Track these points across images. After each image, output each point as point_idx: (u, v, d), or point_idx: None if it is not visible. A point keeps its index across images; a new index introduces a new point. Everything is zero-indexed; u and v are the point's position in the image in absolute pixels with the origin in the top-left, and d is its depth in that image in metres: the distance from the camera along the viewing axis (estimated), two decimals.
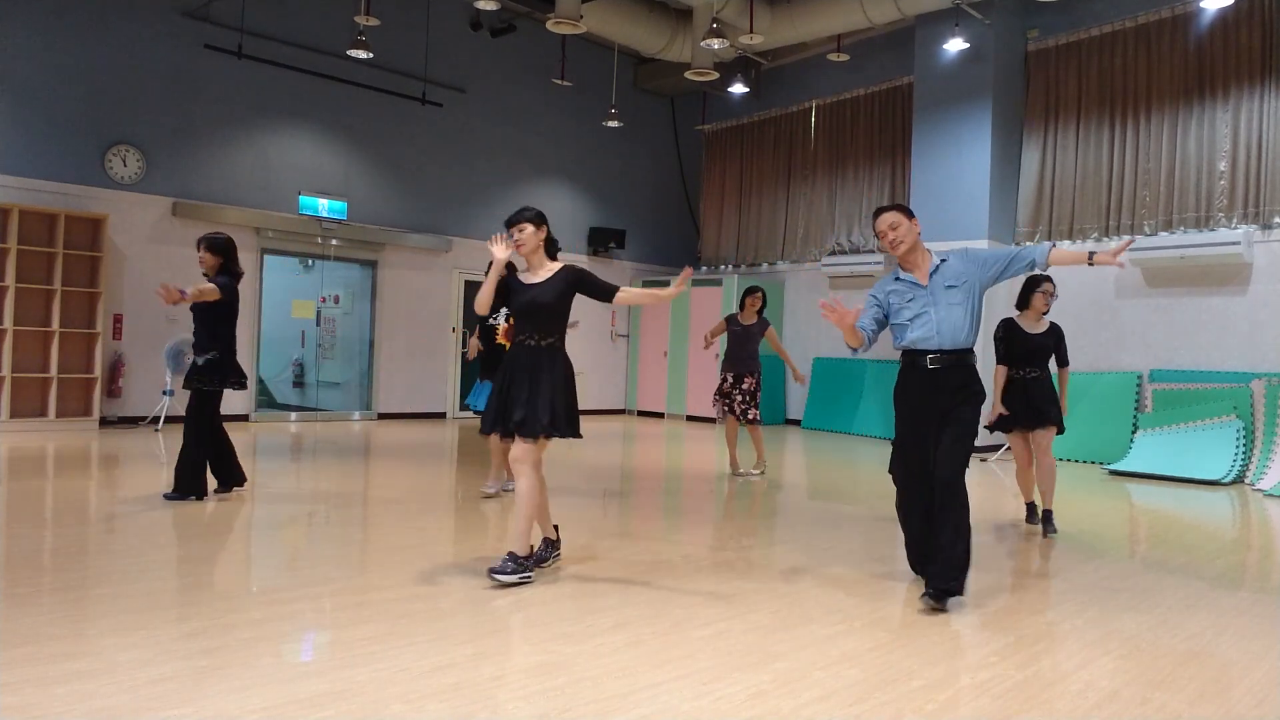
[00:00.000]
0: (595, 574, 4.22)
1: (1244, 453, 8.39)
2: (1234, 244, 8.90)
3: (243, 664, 2.88)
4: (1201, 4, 9.05)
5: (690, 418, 13.55)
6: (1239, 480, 8.25)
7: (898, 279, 4.20)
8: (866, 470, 8.85)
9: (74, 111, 9.50)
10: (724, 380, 7.76)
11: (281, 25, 10.90)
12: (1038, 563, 4.87)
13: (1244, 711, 2.81)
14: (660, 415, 14.11)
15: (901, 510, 4.22)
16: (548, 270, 4.20)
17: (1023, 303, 5.85)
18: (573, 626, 3.40)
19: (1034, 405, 5.69)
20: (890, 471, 4.23)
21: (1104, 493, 7.71)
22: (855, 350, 4.07)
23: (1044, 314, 5.81)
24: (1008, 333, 5.81)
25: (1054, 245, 3.96)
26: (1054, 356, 5.84)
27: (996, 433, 6.02)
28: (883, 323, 4.16)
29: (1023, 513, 6.12)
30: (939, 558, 3.87)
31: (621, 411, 14.71)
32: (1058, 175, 10.50)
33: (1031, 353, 5.74)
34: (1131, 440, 9.32)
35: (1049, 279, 5.76)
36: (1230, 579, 4.68)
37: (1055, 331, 5.84)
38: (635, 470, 8.54)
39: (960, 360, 4.02)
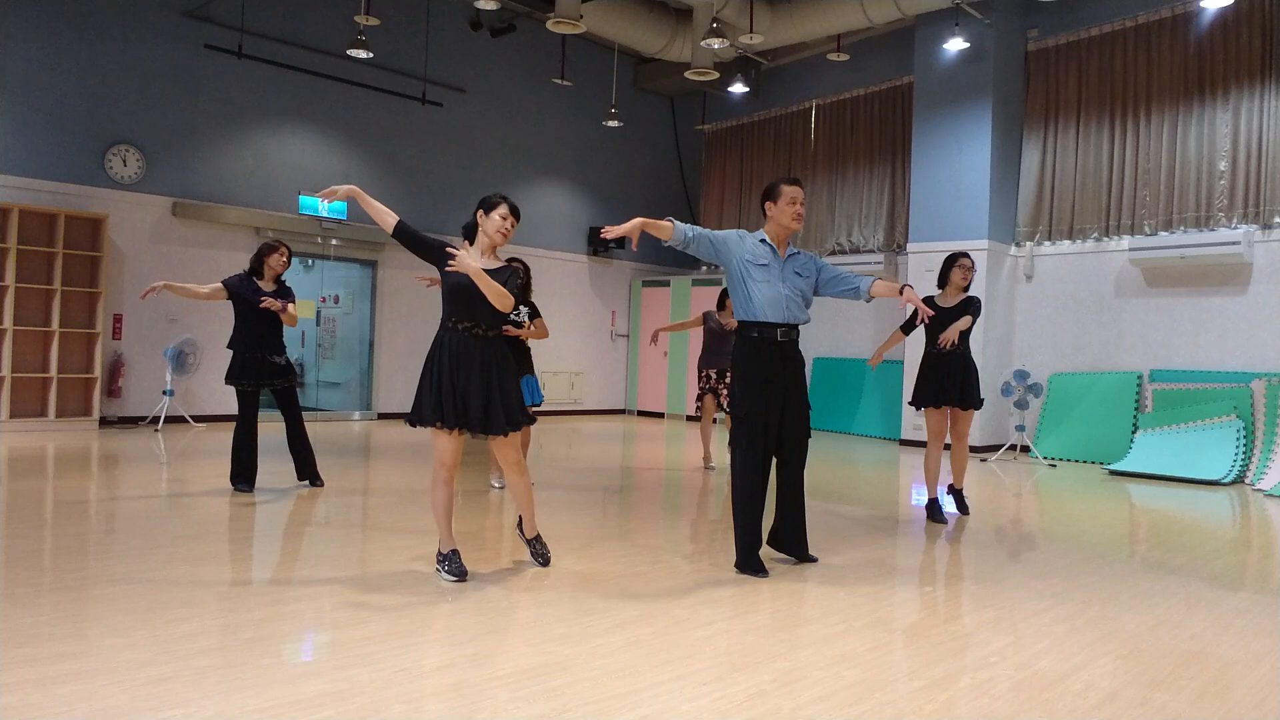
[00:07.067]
0: (595, 574, 4.22)
1: (1244, 453, 8.39)
2: (1234, 244, 8.90)
3: (243, 664, 2.88)
4: (1201, 4, 9.05)
5: (690, 418, 13.55)
6: (1239, 480, 8.25)
7: (762, 240, 4.45)
8: (866, 470, 8.85)
9: (74, 111, 9.49)
10: (709, 377, 8.14)
11: (281, 25, 10.90)
12: (1038, 563, 4.86)
13: (1244, 712, 2.81)
14: (660, 415, 14.11)
15: (753, 483, 4.30)
16: (497, 260, 4.15)
17: (942, 280, 6.02)
18: (572, 627, 3.40)
19: (956, 382, 5.82)
20: (741, 453, 4.33)
21: (1104, 493, 7.71)
22: (665, 242, 4.25)
23: (964, 289, 5.96)
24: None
25: (875, 280, 4.46)
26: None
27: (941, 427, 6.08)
28: (705, 247, 4.35)
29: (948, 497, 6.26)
30: (795, 523, 4.50)
31: (621, 411, 14.71)
32: (1058, 175, 10.50)
33: (945, 326, 5.82)
34: (1131, 440, 9.33)
35: (966, 254, 6.01)
36: (1230, 579, 4.68)
37: (967, 302, 5.89)
38: (635, 470, 8.54)
39: (798, 334, 4.45)
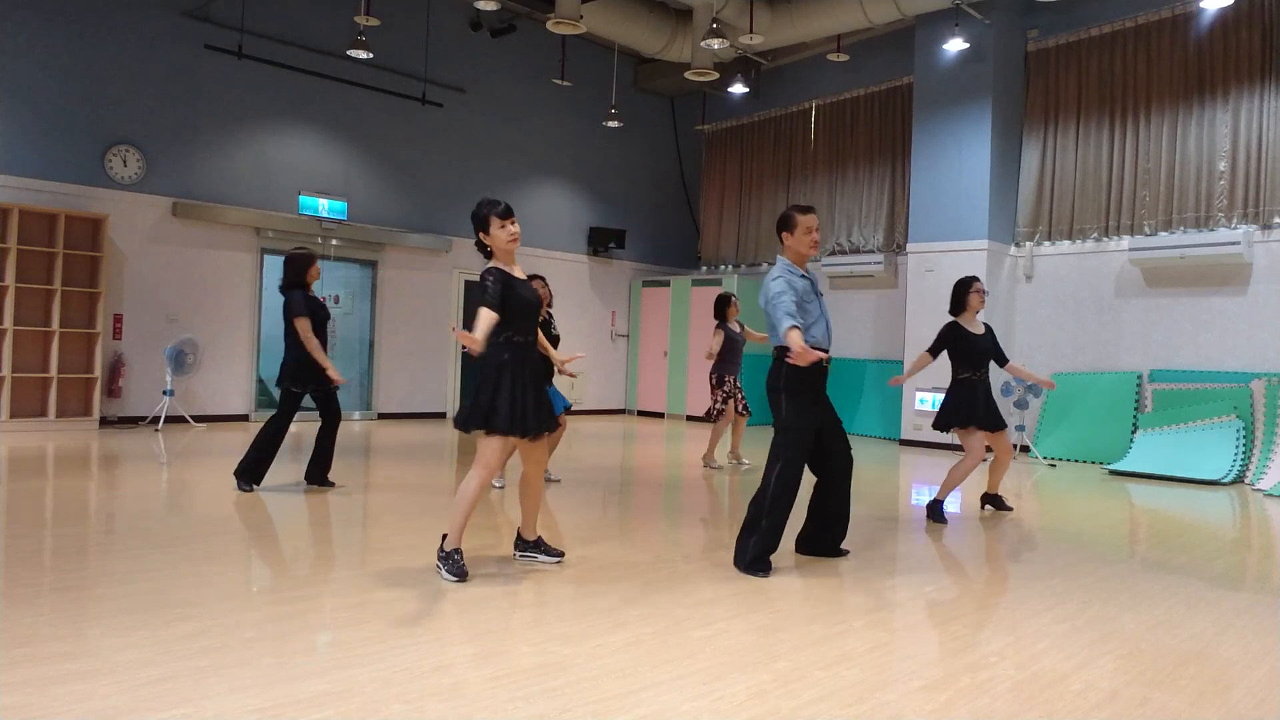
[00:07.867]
0: (595, 574, 4.22)
1: (1244, 453, 8.39)
2: (1234, 244, 8.91)
3: (243, 664, 2.88)
4: (1201, 4, 9.05)
5: (690, 418, 13.55)
6: (1239, 480, 8.25)
7: (803, 276, 4.53)
8: (866, 470, 8.84)
9: (74, 111, 9.49)
10: (726, 381, 8.27)
11: (281, 25, 10.90)
12: (1038, 563, 4.86)
13: (1244, 712, 2.81)
14: (660, 415, 14.11)
15: (791, 493, 4.43)
16: (520, 270, 4.28)
17: (958, 306, 6.08)
18: (573, 626, 3.40)
19: (984, 406, 5.97)
20: (786, 464, 4.42)
21: (1104, 493, 7.71)
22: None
23: (978, 312, 6.10)
24: (956, 335, 6.04)
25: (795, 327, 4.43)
26: (994, 358, 6.12)
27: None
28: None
29: (986, 508, 6.46)
30: (843, 521, 4.74)
31: (621, 411, 14.71)
32: (1058, 175, 10.51)
33: (980, 354, 6.02)
34: (1131, 440, 9.33)
35: (977, 278, 6.14)
36: (1230, 579, 4.68)
37: (991, 333, 6.14)
38: (635, 470, 8.54)
39: None
